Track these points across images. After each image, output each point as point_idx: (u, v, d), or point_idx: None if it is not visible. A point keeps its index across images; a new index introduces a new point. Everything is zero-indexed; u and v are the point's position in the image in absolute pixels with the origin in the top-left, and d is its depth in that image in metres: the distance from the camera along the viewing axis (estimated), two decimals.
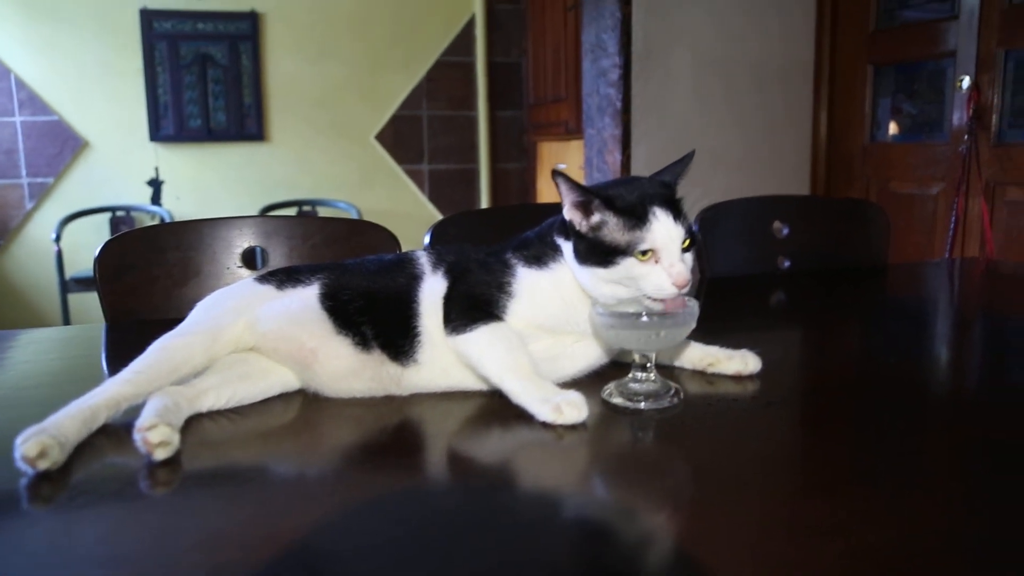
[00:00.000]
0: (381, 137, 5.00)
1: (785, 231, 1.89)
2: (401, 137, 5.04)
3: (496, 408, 0.90)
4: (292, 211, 4.76)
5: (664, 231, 0.89)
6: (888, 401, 0.95)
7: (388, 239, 1.51)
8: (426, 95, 5.04)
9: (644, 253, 0.89)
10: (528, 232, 1.04)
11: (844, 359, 1.18)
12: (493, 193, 5.26)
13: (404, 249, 1.10)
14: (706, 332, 1.09)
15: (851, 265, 1.92)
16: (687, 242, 0.91)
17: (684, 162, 0.98)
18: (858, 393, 0.98)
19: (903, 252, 3.23)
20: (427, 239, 1.59)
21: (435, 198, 5.14)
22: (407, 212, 5.04)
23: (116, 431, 0.83)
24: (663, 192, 0.93)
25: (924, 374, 1.08)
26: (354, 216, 4.69)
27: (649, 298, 0.90)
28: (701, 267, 1.76)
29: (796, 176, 3.61)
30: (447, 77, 5.07)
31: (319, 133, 4.88)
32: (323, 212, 4.80)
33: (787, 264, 1.89)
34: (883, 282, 1.87)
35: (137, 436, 0.77)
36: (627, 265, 0.89)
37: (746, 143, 3.47)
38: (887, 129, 3.51)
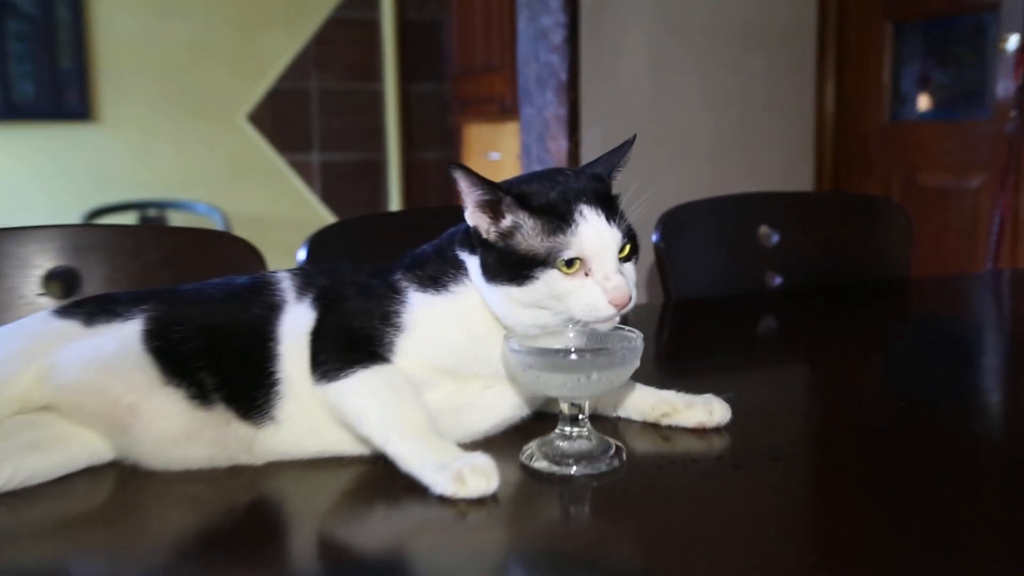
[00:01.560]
0: (256, 117, 4.97)
1: (775, 238, 1.95)
2: (282, 118, 5.01)
3: (380, 479, 0.90)
4: (131, 217, 4.68)
5: (594, 234, 0.92)
6: (906, 459, 0.97)
7: (249, 255, 1.50)
8: (315, 62, 5.04)
9: (570, 264, 0.91)
10: (424, 246, 1.05)
11: (846, 405, 1.21)
12: (406, 191, 5.27)
13: (276, 268, 1.10)
14: (663, 373, 1.11)
15: (861, 281, 1.98)
16: (627, 248, 0.94)
17: (621, 151, 1.02)
18: (864, 449, 1.01)
19: (933, 262, 3.34)
20: (302, 255, 1.59)
21: (329, 198, 5.13)
22: (291, 217, 5.00)
23: None
24: (593, 187, 0.96)
25: (956, 423, 1.11)
26: (218, 223, 4.64)
27: (580, 323, 0.93)
28: (665, 288, 1.80)
29: (794, 167, 3.71)
30: (343, 39, 5.08)
31: (169, 111, 4.82)
32: (176, 219, 4.73)
33: (778, 281, 1.94)
34: (903, 302, 1.93)
35: None
36: (548, 280, 0.91)
37: (728, 125, 3.55)
38: (913, 104, 3.63)
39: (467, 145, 5.10)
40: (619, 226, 0.93)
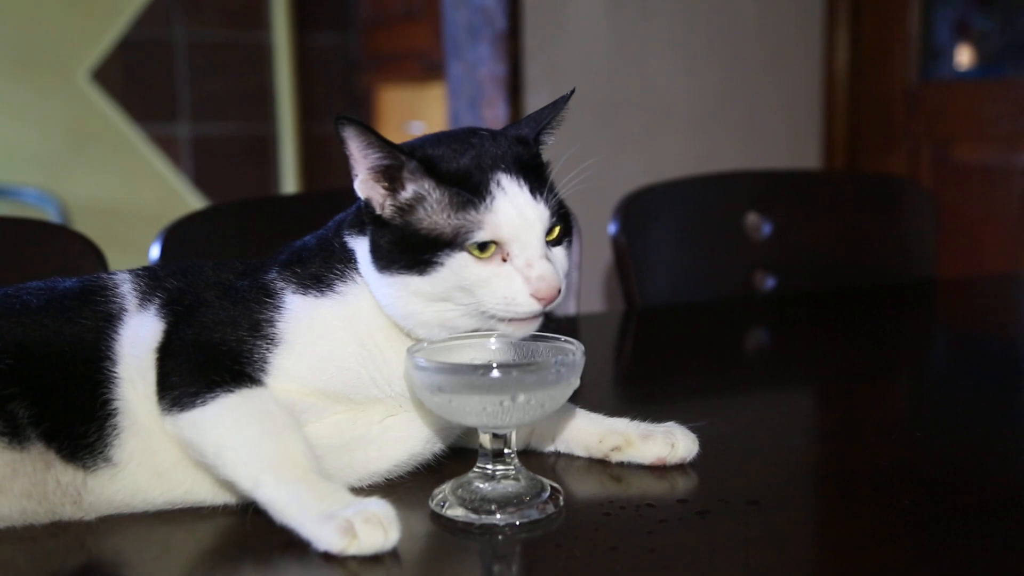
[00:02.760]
0: (103, 76, 4.91)
1: (766, 229, 1.98)
2: (139, 77, 4.96)
3: (248, 534, 0.91)
4: None
5: (514, 211, 0.94)
6: (920, 506, 0.99)
7: (85, 254, 1.51)
8: (181, 3, 5.00)
9: (483, 247, 0.94)
10: (307, 236, 1.06)
11: (846, 437, 1.24)
12: (304, 171, 5.25)
13: (120, 268, 1.10)
14: (620, 398, 1.13)
15: (875, 283, 2.02)
16: (556, 230, 0.97)
17: (555, 107, 1.04)
18: (865, 493, 1.03)
19: (968, 259, 3.38)
20: (155, 252, 1.60)
21: (203, 182, 5.08)
22: (150, 208, 4.94)
23: None
24: (515, 152, 0.98)
25: (986, 461, 1.13)
26: (53, 214, 4.58)
27: (496, 319, 0.95)
28: (626, 292, 1.81)
29: (797, 140, 3.75)
30: None
31: None
32: None
33: (770, 283, 1.98)
34: (927, 309, 1.97)
35: None
36: (456, 266, 0.94)
37: (713, 86, 3.57)
38: (949, 59, 3.67)
39: (381, 113, 5.10)
40: (546, 201, 0.96)
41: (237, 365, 0.95)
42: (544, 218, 0.95)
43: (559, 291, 0.94)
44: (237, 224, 1.78)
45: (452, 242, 0.94)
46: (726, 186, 2.04)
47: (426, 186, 0.95)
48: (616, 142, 3.21)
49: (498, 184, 0.94)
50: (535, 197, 0.95)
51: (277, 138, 5.23)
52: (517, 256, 0.94)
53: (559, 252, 0.97)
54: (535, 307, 0.93)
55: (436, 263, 0.94)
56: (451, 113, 3.58)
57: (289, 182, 5.22)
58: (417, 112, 4.69)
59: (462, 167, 0.96)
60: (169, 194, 5.05)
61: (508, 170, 0.96)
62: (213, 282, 1.02)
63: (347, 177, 0.98)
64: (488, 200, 0.94)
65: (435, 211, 0.95)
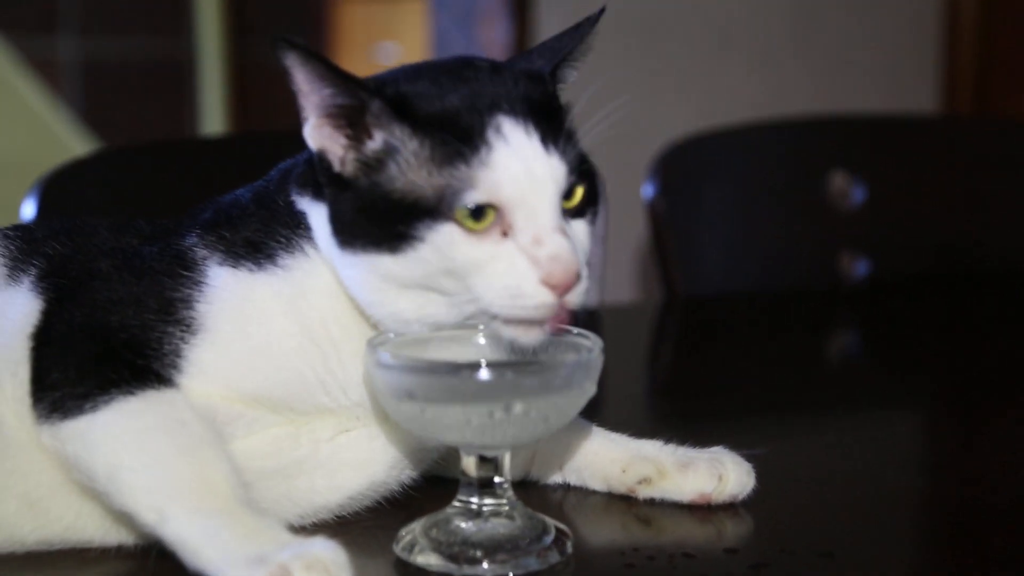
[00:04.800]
0: None
1: (858, 195, 1.99)
2: None
3: None
4: None
5: (518, 165, 0.93)
6: None
7: None
8: None
9: (478, 214, 0.93)
10: (240, 190, 1.07)
11: (953, 471, 1.26)
12: (233, 106, 5.24)
13: None
14: (654, 413, 1.14)
15: (1007, 267, 2.02)
16: (578, 192, 0.97)
17: (578, 33, 1.04)
18: (978, 545, 1.05)
19: None
20: (29, 210, 1.61)
21: (96, 119, 5.08)
22: (21, 151, 4.93)
23: None
24: (524, 90, 0.98)
25: None
26: None
27: (495, 318, 0.94)
28: (666, 276, 1.81)
29: (903, 74, 3.74)
30: None
31: None
32: None
33: (861, 268, 1.99)
34: None
35: None
36: (441, 242, 0.93)
37: (791, 4, 3.57)
38: None
39: (343, 32, 5.09)
40: (563, 155, 0.95)
41: (141, 359, 0.96)
42: (560, 177, 0.94)
43: (577, 275, 0.93)
44: (140, 175, 1.78)
45: (435, 209, 0.93)
46: (804, 135, 2.04)
47: (397, 133, 0.95)
48: (655, 75, 3.21)
49: (498, 130, 0.94)
50: (547, 148, 0.94)
51: (197, 61, 5.22)
52: (522, 229, 0.93)
53: (580, 227, 0.97)
54: (547, 298, 0.92)
55: (413, 238, 0.93)
56: (435, 33, 3.58)
57: (213, 120, 5.21)
58: (390, 32, 4.69)
59: (448, 108, 0.95)
60: (47, 134, 5.04)
61: (512, 112, 0.95)
62: (110, 247, 1.02)
63: (293, 115, 0.97)
64: (484, 150, 0.93)
65: (411, 167, 0.94)
